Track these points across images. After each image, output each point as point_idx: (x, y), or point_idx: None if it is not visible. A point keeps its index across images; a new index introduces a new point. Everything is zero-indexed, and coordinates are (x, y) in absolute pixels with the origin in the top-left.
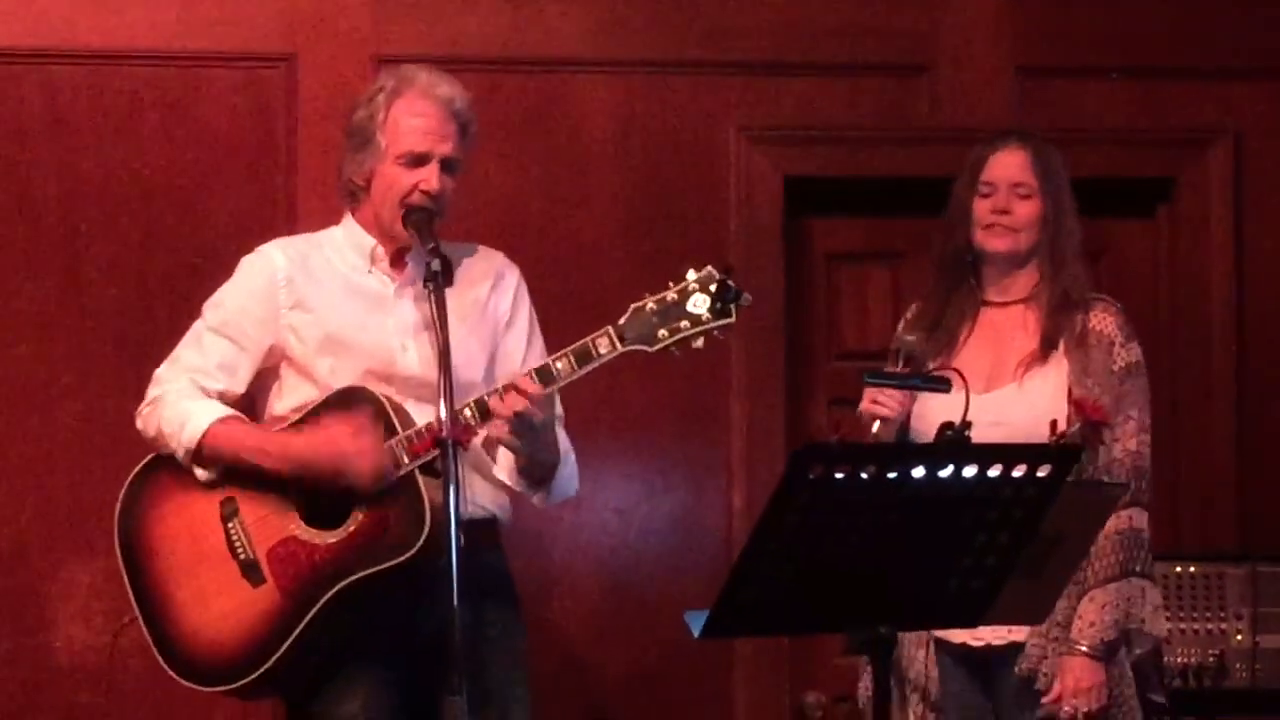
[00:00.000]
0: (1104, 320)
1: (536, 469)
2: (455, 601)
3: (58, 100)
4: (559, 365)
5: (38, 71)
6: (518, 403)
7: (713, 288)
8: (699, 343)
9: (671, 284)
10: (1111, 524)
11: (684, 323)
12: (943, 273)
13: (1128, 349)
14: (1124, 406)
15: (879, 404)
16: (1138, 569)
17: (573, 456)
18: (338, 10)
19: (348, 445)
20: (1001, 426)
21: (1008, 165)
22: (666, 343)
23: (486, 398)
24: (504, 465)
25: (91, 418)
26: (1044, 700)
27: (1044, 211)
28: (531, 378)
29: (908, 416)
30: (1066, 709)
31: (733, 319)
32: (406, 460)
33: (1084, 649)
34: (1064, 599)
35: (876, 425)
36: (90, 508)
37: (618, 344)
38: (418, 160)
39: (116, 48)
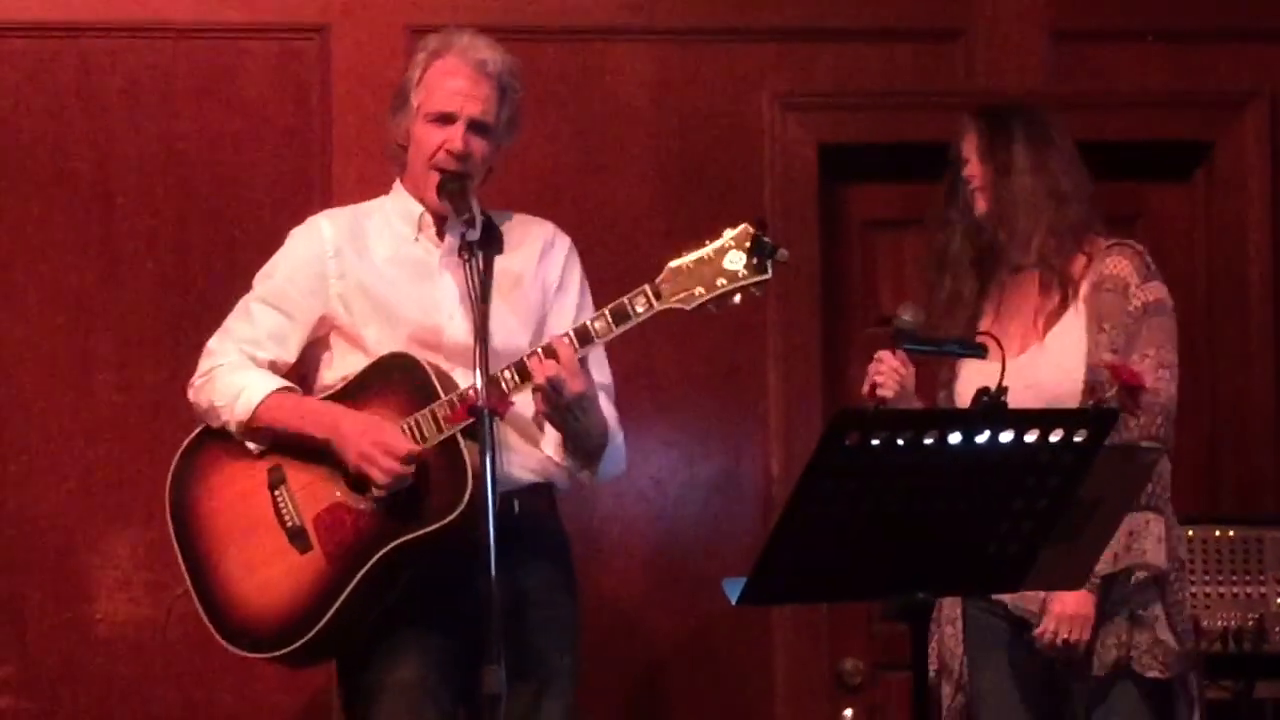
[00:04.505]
0: (1119, 264)
1: (583, 445)
2: (492, 569)
3: (92, 74)
4: (596, 325)
5: (72, 45)
6: (550, 368)
7: (748, 244)
8: (736, 299)
9: (708, 241)
10: None
11: (721, 280)
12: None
13: (1144, 289)
14: (1139, 345)
15: (879, 385)
16: (1145, 502)
17: (621, 435)
18: None
19: (376, 437)
20: (1033, 388)
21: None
22: (703, 299)
23: (526, 359)
24: (551, 440)
25: (129, 389)
26: (1035, 633)
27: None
28: (569, 339)
29: (949, 383)
30: (1048, 635)
31: (769, 275)
32: (446, 426)
33: None
34: None
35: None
36: (129, 479)
37: (654, 302)
38: (445, 119)
39: (150, 21)
